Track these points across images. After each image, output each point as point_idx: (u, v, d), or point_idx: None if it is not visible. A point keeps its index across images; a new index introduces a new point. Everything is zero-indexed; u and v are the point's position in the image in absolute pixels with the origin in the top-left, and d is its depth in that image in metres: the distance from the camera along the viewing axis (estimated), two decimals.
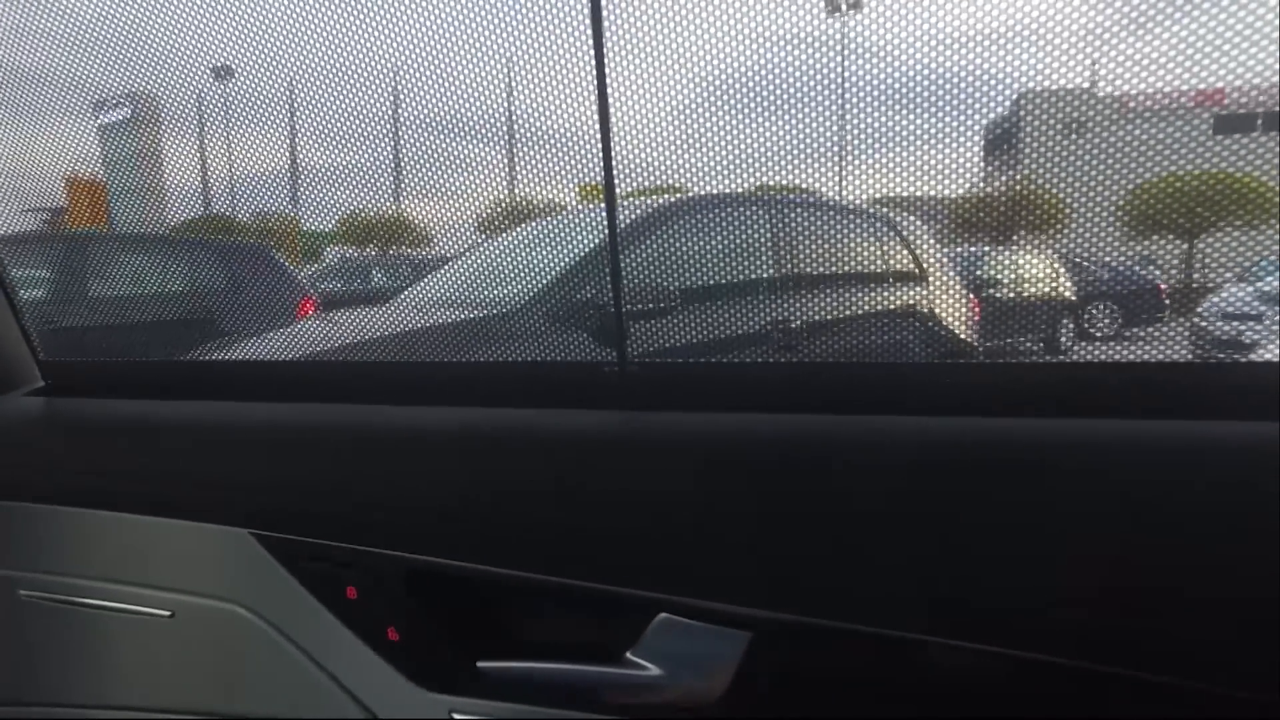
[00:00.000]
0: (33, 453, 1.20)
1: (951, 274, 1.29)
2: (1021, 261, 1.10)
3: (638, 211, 0.98)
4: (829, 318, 1.13)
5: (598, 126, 0.93)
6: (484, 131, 1.12)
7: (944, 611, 0.77)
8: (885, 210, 1.32)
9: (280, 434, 1.06)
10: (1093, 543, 0.72)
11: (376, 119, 1.19)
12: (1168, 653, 0.71)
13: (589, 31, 0.91)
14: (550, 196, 1.22)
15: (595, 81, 0.92)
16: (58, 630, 1.19)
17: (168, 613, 1.10)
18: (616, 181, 0.95)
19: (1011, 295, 1.17)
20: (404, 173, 1.30)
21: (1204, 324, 1.01)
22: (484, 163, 1.18)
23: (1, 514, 1.19)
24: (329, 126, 1.21)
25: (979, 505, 0.76)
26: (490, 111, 1.09)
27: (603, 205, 1.04)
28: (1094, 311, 1.17)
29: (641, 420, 0.93)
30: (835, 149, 0.92)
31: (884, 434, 0.81)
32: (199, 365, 1.36)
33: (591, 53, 0.91)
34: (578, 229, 1.38)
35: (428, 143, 1.19)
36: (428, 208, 1.34)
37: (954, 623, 0.77)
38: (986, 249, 1.16)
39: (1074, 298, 1.14)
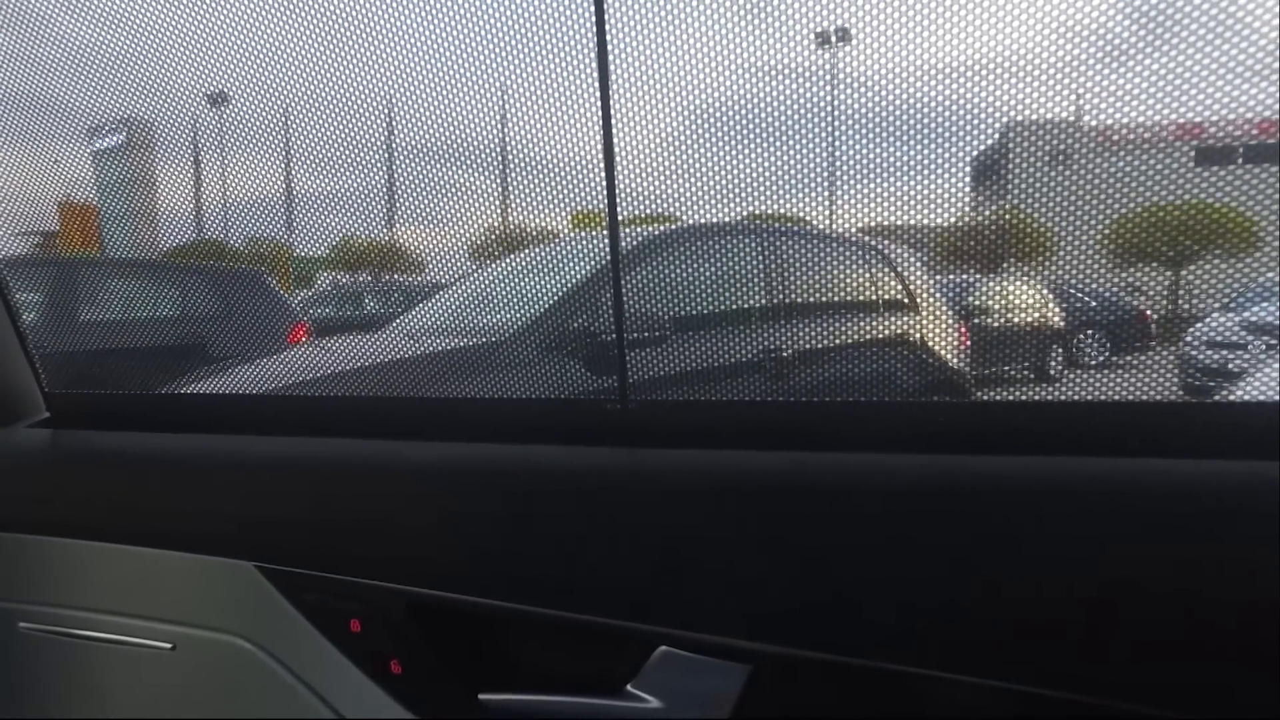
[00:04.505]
0: (36, 485, 1.20)
1: (941, 303, 1.30)
2: (1010, 290, 1.11)
3: (629, 240, 0.99)
4: (821, 346, 1.13)
5: (600, 156, 0.94)
6: (483, 158, 1.13)
7: (945, 647, 0.77)
8: (875, 240, 1.34)
9: (284, 468, 1.06)
10: (1092, 579, 0.73)
11: (377, 146, 1.20)
12: (1164, 687, 0.71)
13: (594, 61, 0.92)
14: (549, 224, 1.23)
15: (600, 110, 0.93)
16: (58, 663, 1.18)
17: (169, 645, 1.09)
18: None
19: (1000, 323, 1.18)
20: (400, 199, 1.30)
21: (1190, 352, 1.02)
22: (481, 190, 1.19)
23: (2, 546, 1.18)
24: (329, 152, 1.22)
25: (980, 543, 0.76)
26: (489, 138, 1.10)
27: (595, 233, 1.05)
28: (1082, 340, 1.18)
29: (643, 456, 0.93)
30: (825, 179, 0.93)
31: (885, 472, 0.82)
32: (204, 399, 1.36)
33: (596, 81, 0.92)
34: (574, 257, 1.39)
35: (423, 170, 1.20)
36: (423, 234, 1.35)
37: (955, 658, 0.77)
38: (975, 278, 1.17)
39: (1062, 326, 1.15)
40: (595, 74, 0.92)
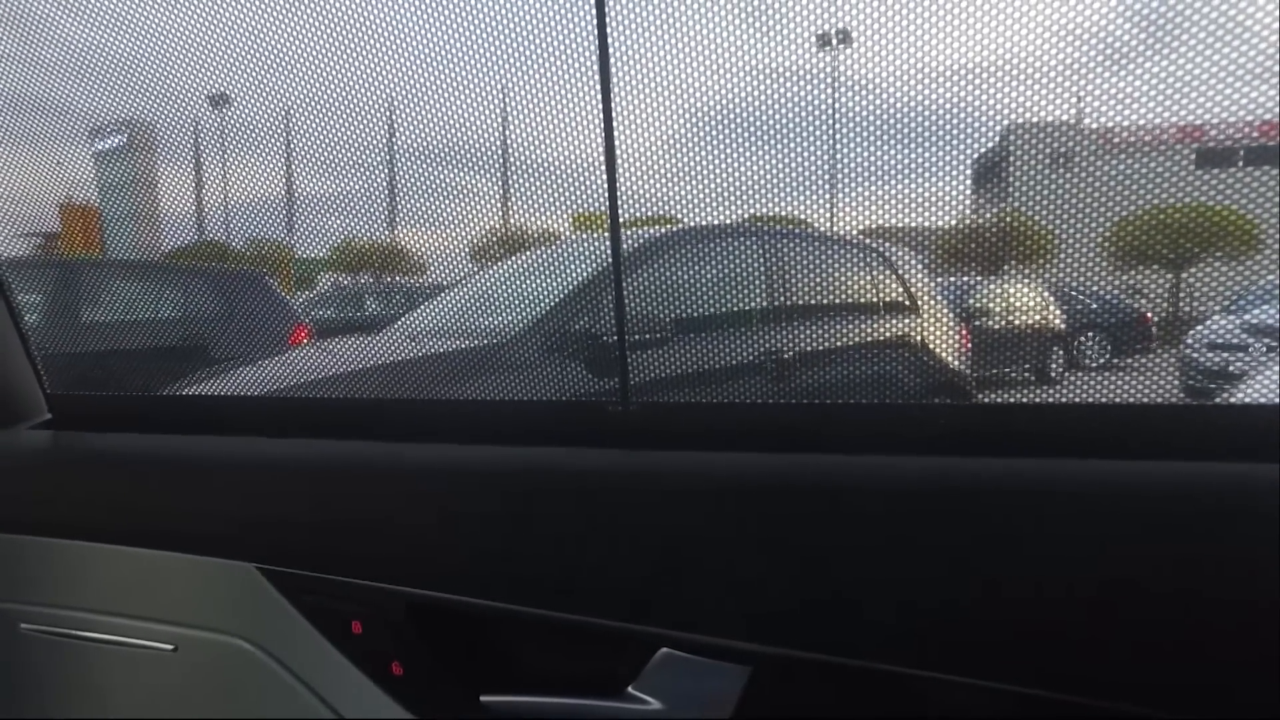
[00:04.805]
0: (38, 486, 1.20)
1: (942, 305, 1.30)
2: (1011, 292, 1.11)
3: (631, 242, 0.99)
4: (822, 348, 1.13)
5: (601, 158, 0.94)
6: (485, 160, 1.13)
7: (946, 648, 0.77)
8: (876, 242, 1.34)
9: (286, 469, 1.06)
10: (1092, 580, 0.73)
11: (379, 147, 1.20)
12: (1164, 688, 0.71)
13: (595, 63, 0.92)
14: (551, 226, 1.23)
15: (601, 111, 0.93)
16: (59, 664, 1.18)
17: (170, 647, 1.09)
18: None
19: (1001, 325, 1.18)
20: (401, 201, 1.31)
21: (1191, 354, 1.02)
22: (483, 192, 1.19)
23: (4, 547, 1.19)
24: (330, 154, 1.22)
25: (981, 544, 0.76)
26: (490, 140, 1.10)
27: (596, 235, 1.05)
28: (1083, 342, 1.18)
29: (644, 458, 0.93)
30: (826, 181, 0.93)
31: (885, 474, 0.82)
32: (205, 400, 1.36)
33: (597, 83, 0.92)
34: (576, 259, 1.39)
35: (424, 171, 1.20)
36: (425, 236, 1.35)
37: (955, 659, 0.77)
38: (976, 280, 1.17)
39: (1063, 328, 1.15)
40: (596, 76, 0.92)
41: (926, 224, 1.01)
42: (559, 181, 1.06)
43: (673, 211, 1.02)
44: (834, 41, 0.89)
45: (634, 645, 0.88)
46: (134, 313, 1.83)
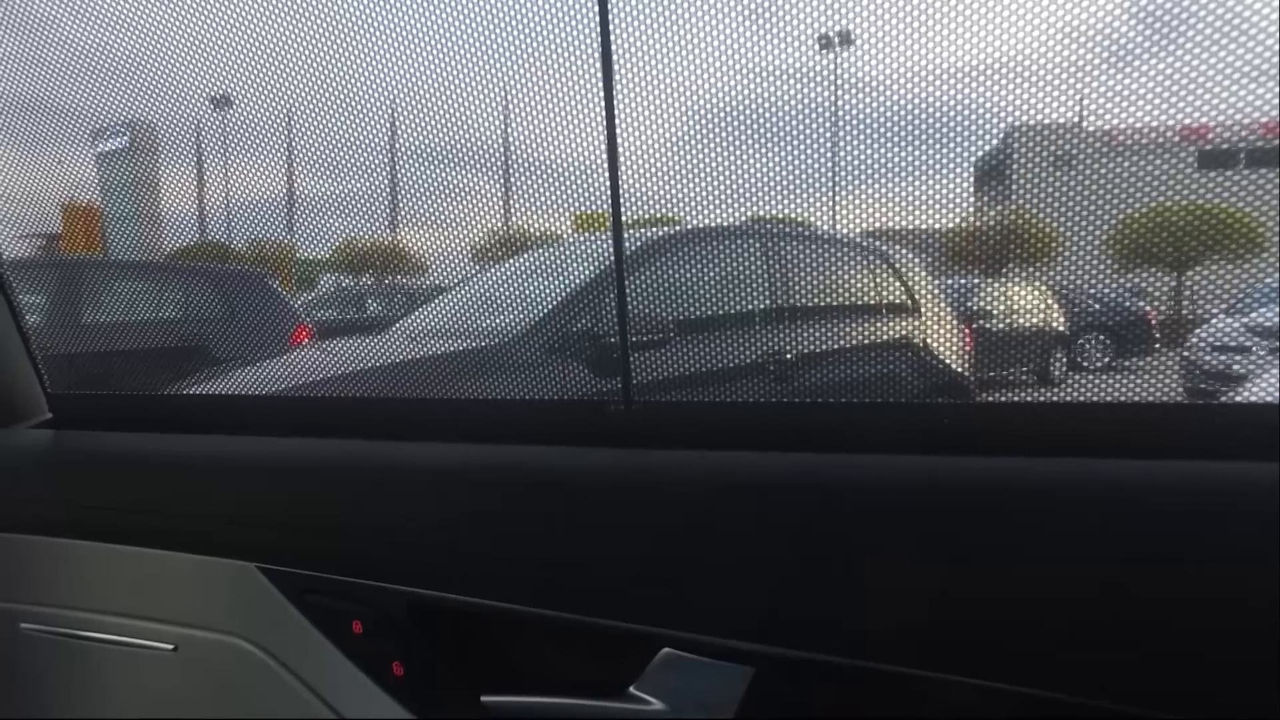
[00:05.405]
0: (38, 485, 1.20)
1: (945, 305, 1.30)
2: (1013, 293, 1.11)
3: (633, 243, 0.99)
4: (825, 349, 1.13)
5: (604, 158, 0.94)
6: (487, 161, 1.13)
7: (948, 648, 0.77)
8: (878, 242, 1.34)
9: (287, 468, 1.06)
10: (1092, 580, 0.72)
11: (380, 148, 1.20)
12: (1164, 688, 0.71)
13: (598, 62, 0.92)
14: (553, 227, 1.23)
15: (604, 112, 0.93)
16: (60, 664, 1.18)
17: (171, 647, 1.09)
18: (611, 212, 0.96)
19: (1004, 327, 1.18)
20: (403, 202, 1.31)
21: (1194, 356, 1.02)
22: (485, 193, 1.19)
23: (4, 546, 1.19)
24: (332, 155, 1.22)
25: (982, 543, 0.76)
26: (492, 141, 1.10)
27: (598, 235, 1.05)
28: (1085, 343, 1.18)
29: (647, 458, 0.93)
30: (828, 182, 0.93)
31: (886, 473, 0.82)
32: (205, 400, 1.36)
33: (599, 83, 0.92)
34: (578, 259, 1.39)
35: (426, 172, 1.20)
36: (427, 237, 1.35)
37: (957, 659, 0.76)
38: (978, 281, 1.17)
39: (1065, 329, 1.15)
40: (599, 76, 0.92)
41: (929, 225, 1.01)
42: (561, 182, 1.06)
43: (675, 212, 1.02)
44: (835, 42, 0.89)
45: (635, 645, 0.88)
46: (135, 313, 1.83)
